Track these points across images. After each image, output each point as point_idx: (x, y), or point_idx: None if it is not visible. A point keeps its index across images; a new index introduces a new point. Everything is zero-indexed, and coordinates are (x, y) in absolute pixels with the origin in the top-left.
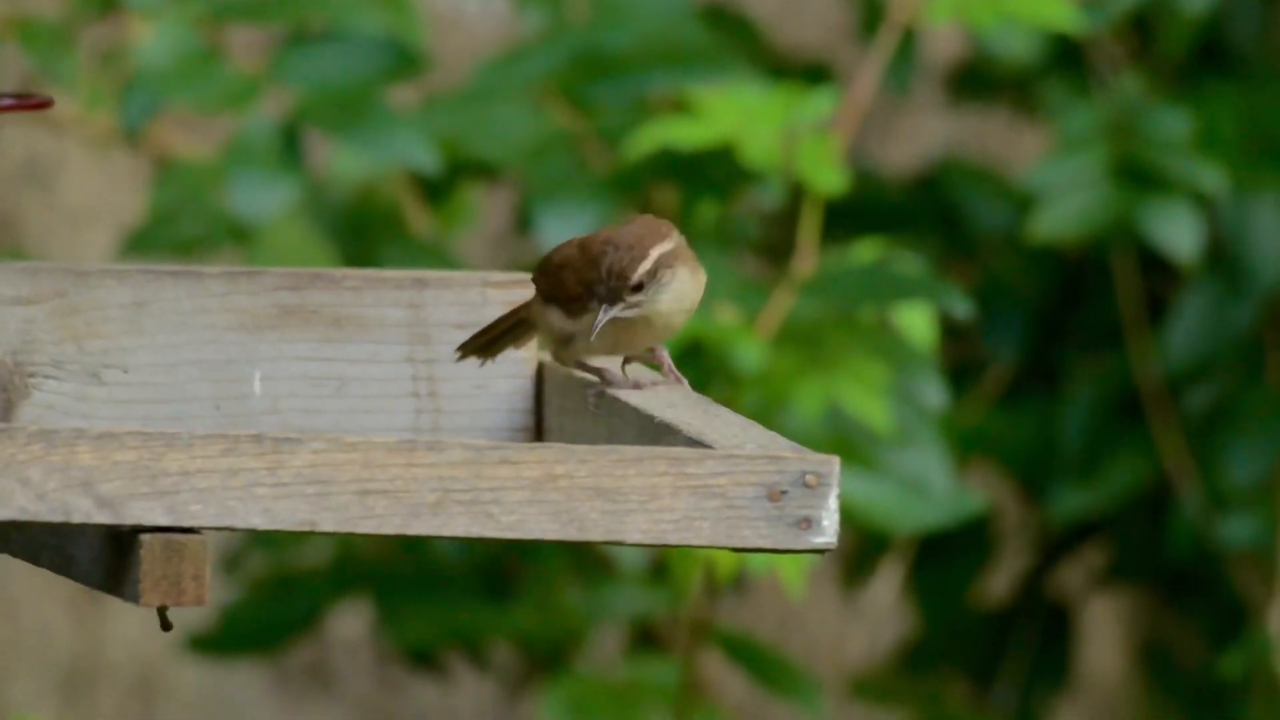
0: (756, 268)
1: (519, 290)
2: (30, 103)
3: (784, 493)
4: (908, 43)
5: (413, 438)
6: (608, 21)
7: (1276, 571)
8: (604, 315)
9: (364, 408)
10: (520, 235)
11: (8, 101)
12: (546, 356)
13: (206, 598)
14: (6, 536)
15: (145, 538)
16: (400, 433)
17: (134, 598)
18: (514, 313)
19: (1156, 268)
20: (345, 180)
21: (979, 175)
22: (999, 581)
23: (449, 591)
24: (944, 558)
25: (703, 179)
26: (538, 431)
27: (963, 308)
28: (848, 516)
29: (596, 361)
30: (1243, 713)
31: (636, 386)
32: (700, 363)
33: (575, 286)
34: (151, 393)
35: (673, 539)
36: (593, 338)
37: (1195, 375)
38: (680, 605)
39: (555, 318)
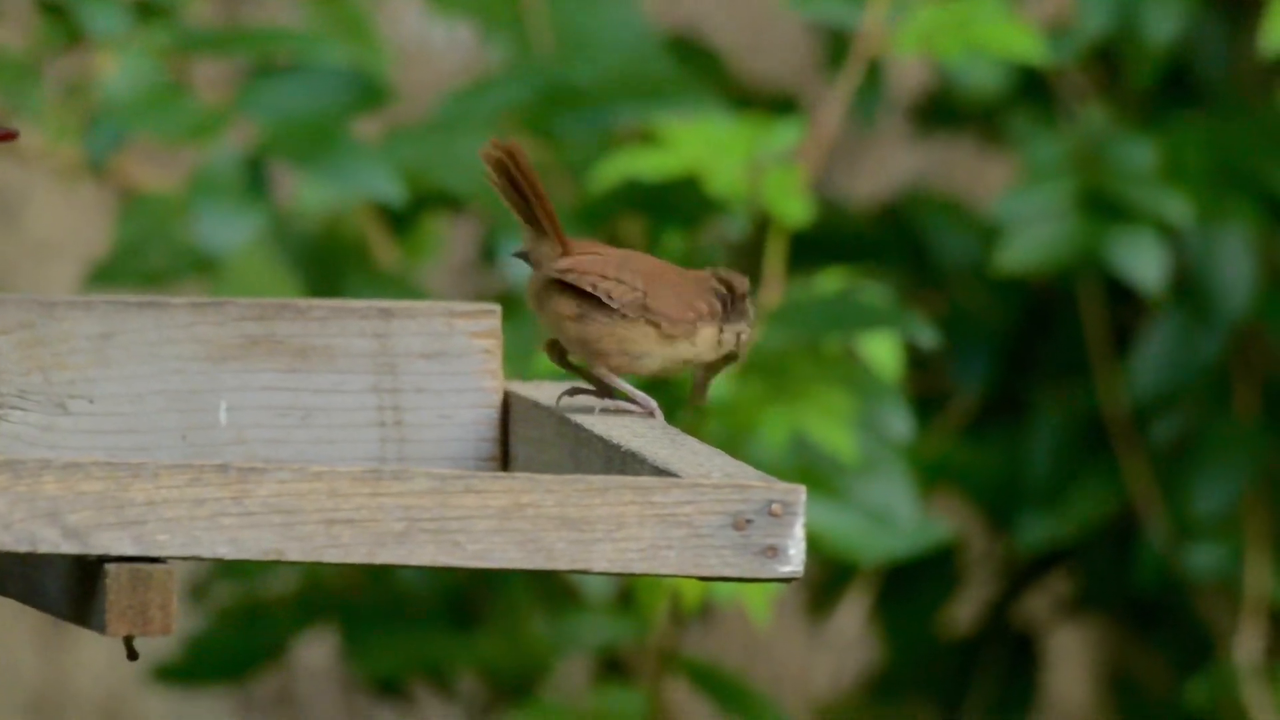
0: None
1: (485, 320)
2: None
3: (750, 521)
4: (874, 74)
5: (378, 467)
6: (573, 53)
7: (1242, 601)
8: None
9: (329, 438)
10: (485, 266)
11: None
12: (513, 385)
13: (173, 627)
14: None
15: (111, 567)
16: (366, 462)
17: (100, 627)
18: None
19: (1123, 298)
20: (310, 211)
21: (945, 206)
22: (965, 610)
23: (415, 620)
24: (910, 587)
25: (669, 210)
26: (504, 461)
27: (928, 338)
28: (813, 546)
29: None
30: None
31: (652, 415)
32: (667, 391)
33: (682, 309)
34: (118, 423)
35: (639, 568)
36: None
37: (1161, 405)
38: (647, 634)
39: (639, 334)
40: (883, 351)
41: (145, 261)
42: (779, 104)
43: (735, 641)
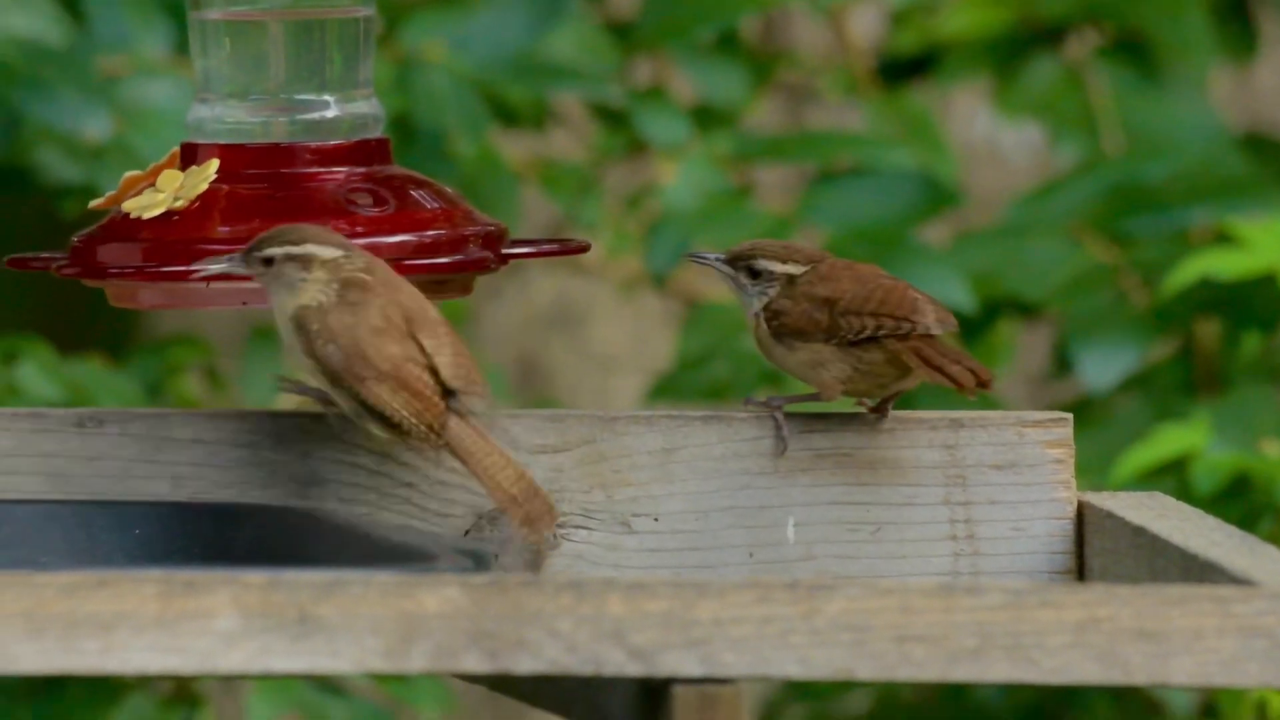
0: None
1: (1057, 429)
2: (569, 247)
3: None
4: None
5: (949, 582)
6: (1144, 153)
7: None
8: None
9: (900, 553)
10: (1059, 374)
11: (549, 246)
12: (1086, 495)
13: None
14: (538, 689)
15: (678, 689)
16: (938, 577)
17: None
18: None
19: None
20: None
21: None
22: None
23: None
24: None
25: (1246, 311)
26: (1079, 573)
27: None
28: None
29: None
30: None
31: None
32: (1247, 499)
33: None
34: (682, 541)
35: (1219, 680)
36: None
37: None
38: None
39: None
40: None
41: (709, 373)
42: None
43: None
